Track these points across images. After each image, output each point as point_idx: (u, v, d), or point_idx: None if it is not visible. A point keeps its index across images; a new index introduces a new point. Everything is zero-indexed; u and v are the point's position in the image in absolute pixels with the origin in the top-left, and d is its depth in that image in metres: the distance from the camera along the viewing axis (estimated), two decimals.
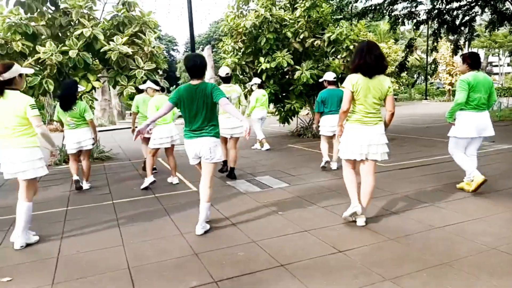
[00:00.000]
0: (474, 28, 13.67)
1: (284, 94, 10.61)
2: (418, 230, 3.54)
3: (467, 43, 16.87)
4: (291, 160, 7.44)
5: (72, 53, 6.85)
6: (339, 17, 12.51)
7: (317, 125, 6.46)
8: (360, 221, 3.71)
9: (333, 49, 9.53)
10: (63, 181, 6.37)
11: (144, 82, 6.53)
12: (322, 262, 2.97)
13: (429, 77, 35.80)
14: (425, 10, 12.91)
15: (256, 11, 9.26)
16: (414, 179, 5.44)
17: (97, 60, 7.86)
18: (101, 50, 7.12)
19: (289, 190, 5.19)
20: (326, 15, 10.11)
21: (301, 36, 9.89)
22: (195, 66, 3.58)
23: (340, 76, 10.08)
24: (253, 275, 2.82)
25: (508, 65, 55.40)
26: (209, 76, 21.43)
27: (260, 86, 8.83)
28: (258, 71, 9.77)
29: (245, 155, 8.27)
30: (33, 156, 3.42)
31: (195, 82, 3.60)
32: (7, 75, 3.28)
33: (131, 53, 7.25)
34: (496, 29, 14.20)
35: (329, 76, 6.41)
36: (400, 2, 12.10)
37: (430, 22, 12.94)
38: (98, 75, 7.77)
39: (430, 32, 14.66)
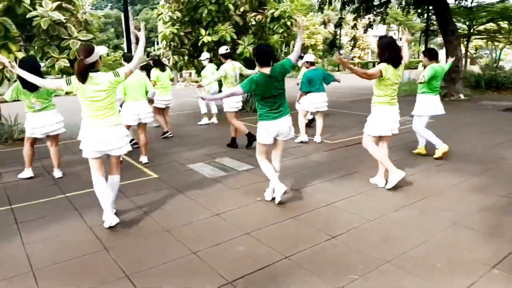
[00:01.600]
0: (388, 8, 14.75)
1: None
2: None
3: (377, 20, 18.15)
4: (242, 137, 7.38)
5: None
6: None
7: (299, 101, 7.05)
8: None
9: (276, 26, 9.48)
10: None
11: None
12: (319, 252, 3.07)
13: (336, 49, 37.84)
14: None
15: None
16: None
17: (13, 26, 6.74)
18: (28, 16, 6.12)
19: (256, 172, 5.16)
20: None
21: (241, 9, 9.64)
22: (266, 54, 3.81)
23: (277, 51, 10.21)
24: (263, 270, 2.81)
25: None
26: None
27: (210, 60, 8.63)
28: (199, 44, 9.34)
29: (193, 132, 8.04)
30: (123, 133, 3.60)
31: (266, 70, 3.78)
32: (89, 60, 3.31)
33: (64, 21, 6.36)
34: (411, 11, 15.55)
35: (310, 57, 6.84)
36: None
37: (355, 2, 13.56)
38: (20, 44, 6.70)
39: (351, 9, 15.37)
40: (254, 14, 9.61)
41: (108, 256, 3.06)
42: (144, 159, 5.69)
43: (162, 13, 9.57)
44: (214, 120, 8.97)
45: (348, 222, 3.57)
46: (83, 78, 3.29)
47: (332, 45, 15.46)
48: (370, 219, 3.62)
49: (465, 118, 9.13)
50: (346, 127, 8.03)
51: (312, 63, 6.77)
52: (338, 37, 15.18)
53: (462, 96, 12.19)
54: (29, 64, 4.39)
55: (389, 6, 16.53)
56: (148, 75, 7.55)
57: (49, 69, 6.68)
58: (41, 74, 4.51)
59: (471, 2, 12.12)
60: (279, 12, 9.22)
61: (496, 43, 20.16)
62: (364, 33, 17.08)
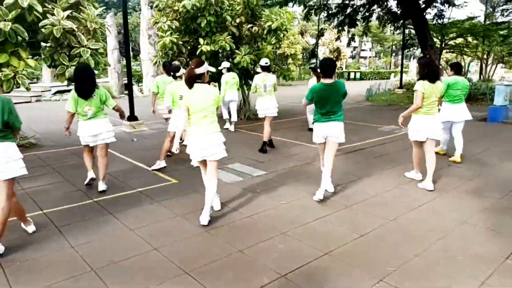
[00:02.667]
0: (370, 22, 15.61)
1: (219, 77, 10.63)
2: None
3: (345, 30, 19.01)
4: (246, 144, 7.66)
5: (4, 26, 5.83)
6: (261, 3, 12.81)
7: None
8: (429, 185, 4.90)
9: (272, 37, 9.86)
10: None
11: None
12: (354, 248, 3.43)
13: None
14: (336, 4, 14.17)
15: None
16: (368, 161, 6.28)
17: (26, 34, 6.77)
18: (41, 24, 6.19)
19: (270, 177, 5.50)
20: (258, 2, 10.34)
21: (237, 21, 9.97)
22: (329, 67, 4.44)
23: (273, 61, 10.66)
24: (310, 264, 3.13)
25: (370, 50, 63.63)
26: (112, 46, 19.70)
27: (228, 69, 9.04)
28: (197, 53, 9.58)
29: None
30: (221, 140, 3.96)
31: (328, 81, 4.40)
32: (198, 70, 3.73)
33: (75, 30, 6.47)
34: (387, 25, 16.51)
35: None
36: None
37: (338, 15, 14.24)
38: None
39: (335, 23, 16.09)
40: (250, 25, 9.97)
41: (160, 256, 3.29)
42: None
43: (159, 21, 9.74)
44: (231, 128, 9.22)
45: (370, 222, 3.94)
46: (190, 84, 3.75)
47: (313, 54, 16.27)
48: (390, 219, 4.01)
49: None
50: None
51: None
52: (317, 47, 15.95)
53: (440, 106, 12.99)
54: (88, 72, 4.63)
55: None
56: None
57: (59, 76, 6.75)
58: (95, 79, 4.76)
59: (442, 20, 13.12)
60: (276, 24, 9.63)
61: (464, 57, 21.50)
62: (347, 46, 18.06)
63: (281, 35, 10.35)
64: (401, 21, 17.84)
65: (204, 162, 4.03)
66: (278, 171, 5.81)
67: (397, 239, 3.59)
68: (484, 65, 22.06)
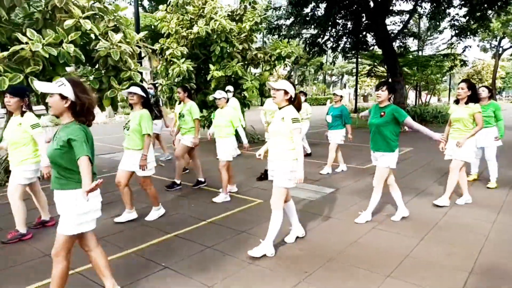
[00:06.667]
0: (338, 51, 17.14)
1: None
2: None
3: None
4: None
5: (67, 48, 5.57)
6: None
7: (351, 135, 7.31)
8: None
9: (281, 63, 10.46)
10: None
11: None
12: (472, 252, 3.99)
13: None
14: (310, 34, 15.43)
15: (215, 20, 9.23)
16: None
17: (83, 57, 6.31)
18: (97, 48, 5.99)
19: (344, 193, 5.90)
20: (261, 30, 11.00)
21: (240, 47, 10.39)
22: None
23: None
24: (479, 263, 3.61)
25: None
26: None
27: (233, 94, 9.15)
28: (208, 79, 9.74)
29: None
30: None
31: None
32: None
33: (131, 53, 6.35)
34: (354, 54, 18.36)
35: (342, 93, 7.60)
36: (297, 27, 14.07)
37: (313, 46, 15.45)
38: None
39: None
40: (255, 52, 10.46)
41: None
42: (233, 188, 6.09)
43: (168, 47, 9.75)
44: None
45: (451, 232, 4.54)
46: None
47: (288, 79, 17.45)
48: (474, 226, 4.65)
49: (431, 146, 10.97)
50: (349, 156, 9.06)
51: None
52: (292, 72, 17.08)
53: (406, 128, 14.58)
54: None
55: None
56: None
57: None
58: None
59: (405, 51, 15.06)
60: (286, 51, 10.25)
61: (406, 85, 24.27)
62: (315, 73, 19.47)
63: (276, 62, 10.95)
64: (354, 52, 19.67)
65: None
66: (343, 188, 6.21)
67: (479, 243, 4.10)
68: (418, 92, 25.02)
